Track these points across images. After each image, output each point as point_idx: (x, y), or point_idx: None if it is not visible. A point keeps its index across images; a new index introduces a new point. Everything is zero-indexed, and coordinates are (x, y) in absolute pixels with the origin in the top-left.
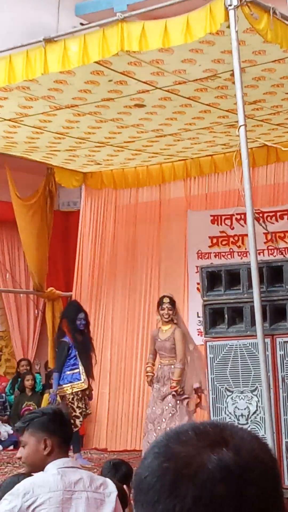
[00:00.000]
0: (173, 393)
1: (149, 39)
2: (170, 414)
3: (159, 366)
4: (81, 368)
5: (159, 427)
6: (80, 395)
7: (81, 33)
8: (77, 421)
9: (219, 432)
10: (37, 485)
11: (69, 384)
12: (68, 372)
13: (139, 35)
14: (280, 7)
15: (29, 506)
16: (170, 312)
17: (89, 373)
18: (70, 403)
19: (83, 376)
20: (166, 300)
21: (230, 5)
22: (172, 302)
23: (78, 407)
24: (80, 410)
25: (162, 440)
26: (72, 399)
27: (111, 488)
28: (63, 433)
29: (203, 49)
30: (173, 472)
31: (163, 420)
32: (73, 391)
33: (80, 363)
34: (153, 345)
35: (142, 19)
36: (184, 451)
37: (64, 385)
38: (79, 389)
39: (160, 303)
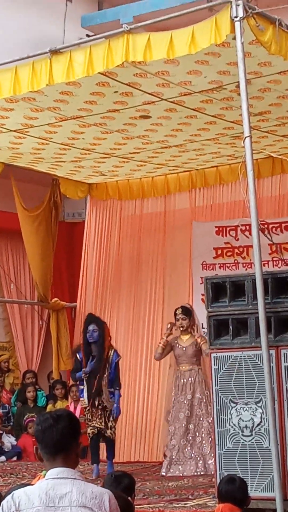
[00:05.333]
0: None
1: (154, 50)
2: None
3: (178, 375)
4: (85, 385)
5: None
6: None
7: (87, 45)
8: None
9: None
10: (24, 499)
11: (81, 399)
12: (81, 387)
13: (144, 46)
14: (286, 18)
15: None
16: (184, 322)
17: (93, 392)
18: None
19: (85, 395)
20: (179, 311)
21: (236, 17)
22: (186, 311)
23: (87, 416)
24: (87, 421)
25: None
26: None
27: (106, 502)
28: (45, 440)
29: (208, 60)
30: None
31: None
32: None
33: (85, 381)
34: (167, 349)
35: (148, 31)
36: None
37: (81, 399)
38: (83, 406)
39: (175, 314)
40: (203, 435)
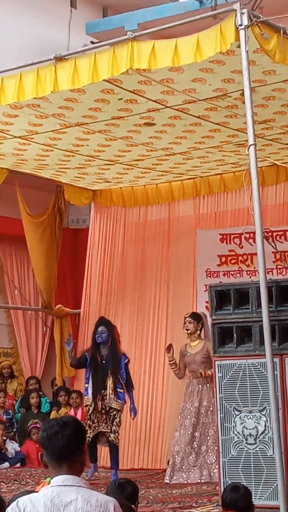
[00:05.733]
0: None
1: (159, 58)
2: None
3: (188, 380)
4: (90, 383)
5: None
6: (93, 410)
7: (91, 52)
8: (88, 433)
9: None
10: (29, 507)
11: (85, 397)
12: (86, 385)
13: (149, 53)
14: None
15: None
16: (190, 325)
17: (98, 391)
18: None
19: (90, 392)
20: (187, 315)
21: (241, 25)
22: (195, 316)
23: (89, 419)
24: (89, 423)
25: None
26: (87, 411)
27: (111, 510)
28: (51, 447)
29: (213, 68)
30: None
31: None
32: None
33: (91, 379)
34: (181, 361)
35: (153, 38)
36: None
37: (85, 397)
38: (86, 404)
39: (184, 319)
40: (208, 444)
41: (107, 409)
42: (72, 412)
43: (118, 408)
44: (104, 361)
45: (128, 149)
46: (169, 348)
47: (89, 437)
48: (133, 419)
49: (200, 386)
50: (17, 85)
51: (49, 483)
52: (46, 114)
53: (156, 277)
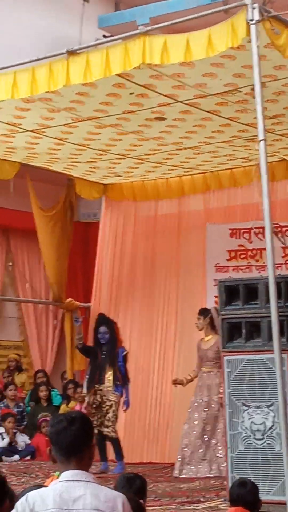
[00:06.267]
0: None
1: (171, 53)
2: (215, 416)
3: (200, 376)
4: (86, 378)
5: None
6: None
7: (103, 46)
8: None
9: None
10: (38, 502)
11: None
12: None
13: (161, 48)
14: None
15: None
16: (199, 321)
17: (92, 385)
18: None
19: (85, 384)
20: (197, 312)
21: (252, 20)
22: (202, 311)
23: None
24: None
25: None
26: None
27: (119, 506)
28: (59, 442)
29: (224, 63)
30: None
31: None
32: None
33: (88, 374)
34: (198, 356)
35: (165, 32)
36: None
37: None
38: (82, 395)
39: None
40: (218, 437)
41: (98, 403)
42: (77, 407)
43: (116, 400)
44: (103, 356)
45: (139, 143)
46: (175, 383)
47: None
48: (125, 411)
49: (210, 380)
50: (30, 79)
51: (58, 477)
52: (58, 108)
53: (166, 271)
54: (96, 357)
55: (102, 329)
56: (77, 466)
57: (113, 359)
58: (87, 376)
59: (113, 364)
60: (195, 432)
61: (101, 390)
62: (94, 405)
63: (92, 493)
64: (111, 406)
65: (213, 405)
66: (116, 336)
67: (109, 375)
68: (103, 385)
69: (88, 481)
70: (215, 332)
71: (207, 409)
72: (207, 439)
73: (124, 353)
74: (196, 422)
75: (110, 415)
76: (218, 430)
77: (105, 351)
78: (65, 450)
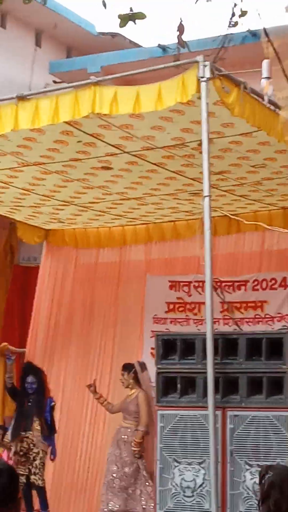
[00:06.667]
0: (135, 456)
1: (121, 104)
2: (133, 479)
3: (118, 427)
4: (12, 425)
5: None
6: (22, 452)
7: (53, 93)
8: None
9: None
10: None
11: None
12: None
13: (111, 99)
14: (252, 81)
15: None
16: (123, 377)
17: (17, 433)
18: None
19: (10, 431)
20: (122, 367)
21: (203, 77)
22: (125, 367)
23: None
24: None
25: None
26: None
27: None
28: None
29: (172, 117)
30: None
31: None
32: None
33: (13, 421)
34: (118, 405)
35: (115, 82)
36: None
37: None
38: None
39: None
40: (141, 488)
41: (25, 451)
42: (5, 454)
43: (44, 449)
44: (29, 404)
45: (84, 191)
46: (90, 386)
47: (22, 483)
48: (52, 461)
49: (125, 436)
50: None
51: None
52: (5, 152)
53: (104, 319)
54: (23, 404)
55: (30, 379)
56: None
57: (40, 408)
58: (13, 423)
59: (40, 414)
60: (115, 485)
61: (27, 437)
62: (21, 453)
63: None
64: (38, 453)
65: (128, 460)
66: (44, 385)
67: (36, 424)
68: (31, 433)
69: None
70: (139, 386)
71: (124, 464)
72: (131, 491)
73: (52, 404)
74: (114, 475)
75: (37, 462)
76: (139, 482)
77: (31, 400)
78: None
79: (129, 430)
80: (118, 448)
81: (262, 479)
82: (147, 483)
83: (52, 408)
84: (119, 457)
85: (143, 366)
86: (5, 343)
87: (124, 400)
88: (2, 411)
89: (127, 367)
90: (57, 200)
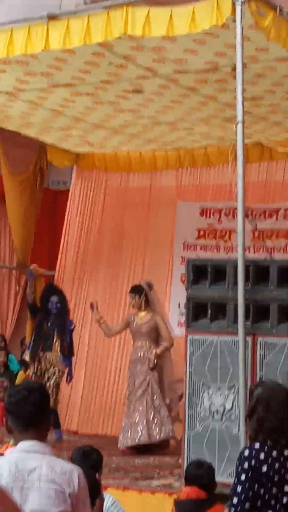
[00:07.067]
0: (151, 364)
1: (153, 26)
2: (141, 391)
3: (133, 349)
4: (31, 346)
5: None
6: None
7: (85, 13)
8: None
9: None
10: None
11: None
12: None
13: (143, 20)
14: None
15: None
16: (133, 300)
17: (35, 354)
18: None
19: (28, 352)
20: (130, 290)
21: (238, 0)
22: (133, 289)
23: None
24: None
25: None
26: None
27: (75, 479)
28: (18, 412)
29: (206, 40)
30: None
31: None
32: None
33: (32, 342)
34: (120, 326)
35: (148, 3)
36: None
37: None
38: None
39: None
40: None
41: (43, 371)
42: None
43: (63, 370)
44: (49, 324)
45: (114, 114)
46: (92, 306)
47: None
48: (68, 383)
49: (143, 352)
50: (7, 40)
51: (12, 445)
52: (35, 72)
53: (133, 245)
54: (42, 325)
55: (55, 298)
56: (34, 436)
57: (62, 329)
58: (32, 344)
59: (61, 334)
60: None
61: (46, 358)
62: (38, 373)
63: (49, 465)
64: (54, 373)
65: (147, 378)
66: (67, 306)
67: (58, 344)
68: (50, 353)
69: (44, 453)
70: (150, 307)
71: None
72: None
73: (72, 326)
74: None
75: (52, 381)
76: (140, 407)
77: (52, 320)
78: (24, 420)
79: (144, 348)
80: (135, 367)
81: (251, 394)
82: (154, 397)
83: (71, 331)
84: (134, 372)
85: (150, 285)
86: (35, 264)
87: (131, 322)
88: (31, 333)
89: (138, 290)
90: (87, 122)
